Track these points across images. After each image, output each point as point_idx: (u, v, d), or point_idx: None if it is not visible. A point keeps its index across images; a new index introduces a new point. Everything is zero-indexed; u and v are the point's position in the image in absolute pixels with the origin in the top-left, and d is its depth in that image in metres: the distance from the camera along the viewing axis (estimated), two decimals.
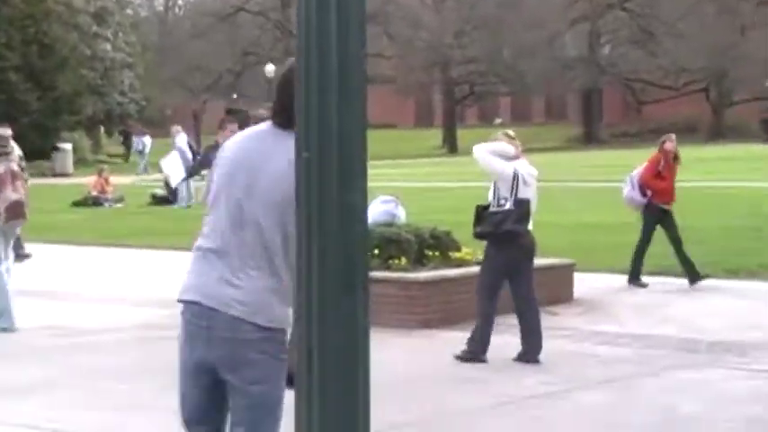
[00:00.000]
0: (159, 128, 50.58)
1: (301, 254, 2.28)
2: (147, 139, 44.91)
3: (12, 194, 10.40)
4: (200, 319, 3.93)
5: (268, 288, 3.88)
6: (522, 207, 8.79)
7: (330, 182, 2.25)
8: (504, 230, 8.75)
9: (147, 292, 12.69)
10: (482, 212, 8.96)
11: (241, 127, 11.87)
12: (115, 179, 28.87)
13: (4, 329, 10.36)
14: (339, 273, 2.26)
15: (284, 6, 63.21)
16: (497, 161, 8.91)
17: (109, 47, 54.18)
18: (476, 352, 8.87)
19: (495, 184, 9.01)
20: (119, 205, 26.78)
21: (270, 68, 53.12)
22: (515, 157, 8.99)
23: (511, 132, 9.45)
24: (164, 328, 10.74)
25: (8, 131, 11.25)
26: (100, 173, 28.20)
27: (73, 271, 15.10)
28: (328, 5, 2.26)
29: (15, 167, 10.75)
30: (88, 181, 29.21)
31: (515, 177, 8.81)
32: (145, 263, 15.74)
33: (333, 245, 2.25)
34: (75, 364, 9.13)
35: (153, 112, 60.16)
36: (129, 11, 65.21)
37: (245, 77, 66.70)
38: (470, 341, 8.94)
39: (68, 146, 43.43)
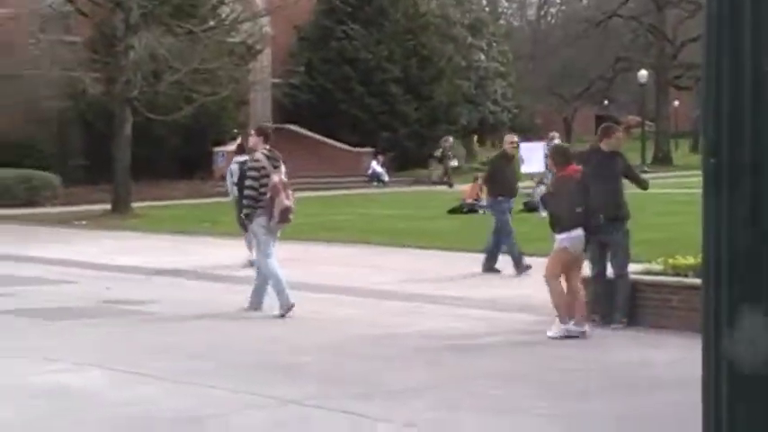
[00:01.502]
0: (530, 136, 51.20)
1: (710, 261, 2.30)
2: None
3: (285, 201, 12.31)
4: None
5: None
6: None
7: None
8: None
9: (516, 297, 13.07)
10: None
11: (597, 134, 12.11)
12: None
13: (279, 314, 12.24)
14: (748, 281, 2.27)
15: (659, 9, 62.07)
16: None
17: (483, 57, 55.54)
18: None
19: None
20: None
21: (642, 74, 52.40)
22: None
23: None
24: (531, 333, 11.07)
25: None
26: (475, 180, 29.02)
27: (447, 276, 15.71)
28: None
29: (285, 178, 12.58)
30: (463, 189, 30.15)
31: None
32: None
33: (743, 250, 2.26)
34: (454, 367, 9.59)
35: (524, 119, 61.02)
36: (501, 21, 66.49)
37: (615, 84, 66.18)
38: None
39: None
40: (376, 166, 42.75)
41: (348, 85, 44.57)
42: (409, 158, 45.25)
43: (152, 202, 31.67)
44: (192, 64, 30.22)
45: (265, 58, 44.06)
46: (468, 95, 52.80)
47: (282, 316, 12.21)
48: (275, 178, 12.40)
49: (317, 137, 44.13)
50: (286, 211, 12.33)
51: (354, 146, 43.43)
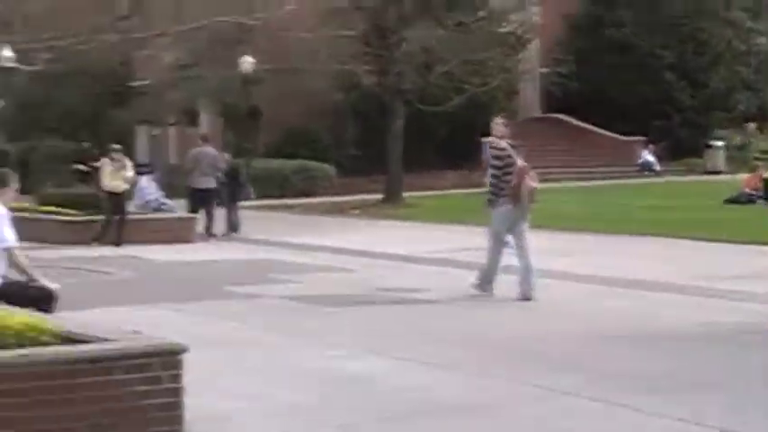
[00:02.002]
0: None
1: None
2: None
3: (531, 183, 12.77)
4: None
5: None
6: None
7: None
8: None
9: None
10: None
11: None
12: None
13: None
14: None
15: None
16: None
17: (764, 40, 53.21)
18: None
19: None
20: None
21: None
22: None
23: None
24: None
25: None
26: (754, 170, 27.92)
27: (729, 270, 15.19)
28: None
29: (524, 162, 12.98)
30: (741, 178, 29.07)
31: None
32: None
33: None
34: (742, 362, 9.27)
35: None
36: None
37: None
38: None
39: (720, 143, 43.42)
40: (647, 155, 41.76)
41: (619, 74, 43.71)
42: (683, 147, 43.92)
43: (421, 191, 32.14)
44: (462, 55, 30.47)
45: (534, 48, 43.86)
46: (746, 81, 50.73)
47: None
48: (520, 163, 12.80)
49: (586, 126, 43.55)
50: (533, 193, 12.78)
51: (626, 135, 42.59)
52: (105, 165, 21.29)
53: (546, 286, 13.07)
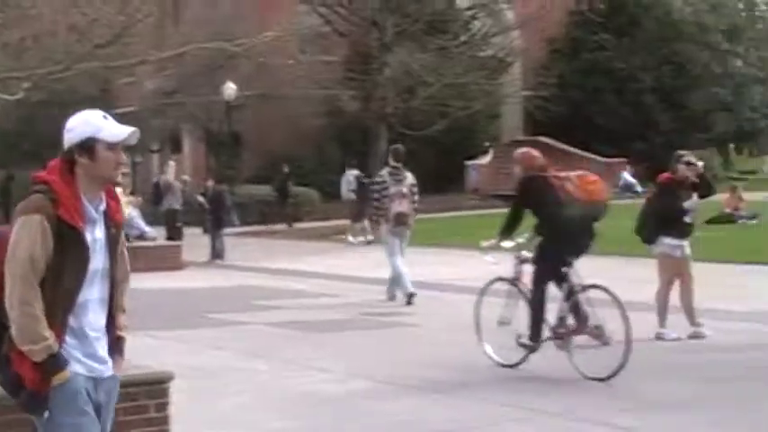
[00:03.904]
0: None
1: None
2: None
3: (398, 208, 14.68)
4: None
5: None
6: None
7: None
8: None
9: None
10: None
11: None
12: (749, 196, 28.61)
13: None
14: None
15: None
16: None
17: (740, 63, 53.69)
18: None
19: None
20: (753, 222, 26.52)
21: None
22: None
23: None
24: None
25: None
26: (733, 190, 28.11)
27: (715, 287, 15.27)
28: None
29: (405, 190, 14.85)
30: (721, 198, 29.23)
31: None
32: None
33: None
34: (710, 381, 9.33)
35: None
36: (759, 25, 64.03)
37: None
38: None
39: (700, 164, 43.66)
40: (627, 176, 42.00)
41: (600, 96, 44.01)
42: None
43: None
44: (444, 79, 30.63)
45: (516, 71, 44.11)
46: (724, 103, 51.14)
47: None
48: (393, 190, 14.79)
49: (569, 148, 43.75)
50: (400, 216, 14.77)
51: (607, 157, 42.82)
52: None
53: None
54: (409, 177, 14.97)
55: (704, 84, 47.91)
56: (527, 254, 9.92)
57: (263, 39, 28.46)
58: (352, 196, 27.15)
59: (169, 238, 23.34)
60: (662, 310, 11.52)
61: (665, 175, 11.86)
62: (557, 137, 44.00)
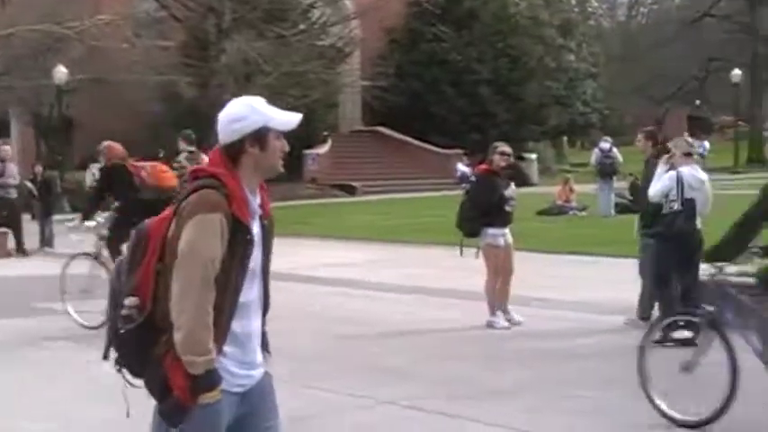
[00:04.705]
0: (620, 137, 50.65)
1: None
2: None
3: None
4: None
5: None
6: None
7: None
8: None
9: (613, 299, 12.91)
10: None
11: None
12: (579, 188, 29.36)
13: None
14: None
15: (752, 8, 60.96)
16: None
17: (573, 58, 55.08)
18: None
19: None
20: (582, 213, 27.23)
21: (736, 74, 51.56)
22: None
23: None
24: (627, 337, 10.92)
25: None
26: (565, 182, 28.80)
27: (544, 278, 15.61)
28: None
29: None
30: (554, 190, 29.93)
31: None
32: (608, 270, 15.95)
33: None
34: (547, 369, 9.53)
35: (614, 120, 60.35)
36: (592, 22, 65.86)
37: (708, 84, 65.15)
38: None
39: (533, 156, 44.71)
40: (462, 167, 42.65)
41: (438, 87, 44.55)
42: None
43: None
44: (282, 67, 30.48)
45: (355, 61, 44.25)
46: (557, 97, 52.42)
47: None
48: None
49: (406, 139, 44.19)
50: None
51: (444, 147, 43.40)
52: None
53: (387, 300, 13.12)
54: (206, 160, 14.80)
55: (539, 77, 48.98)
56: (106, 232, 11.80)
57: (95, 22, 27.78)
58: None
59: None
60: (491, 299, 11.74)
61: (483, 166, 12.13)
62: (395, 127, 44.40)
